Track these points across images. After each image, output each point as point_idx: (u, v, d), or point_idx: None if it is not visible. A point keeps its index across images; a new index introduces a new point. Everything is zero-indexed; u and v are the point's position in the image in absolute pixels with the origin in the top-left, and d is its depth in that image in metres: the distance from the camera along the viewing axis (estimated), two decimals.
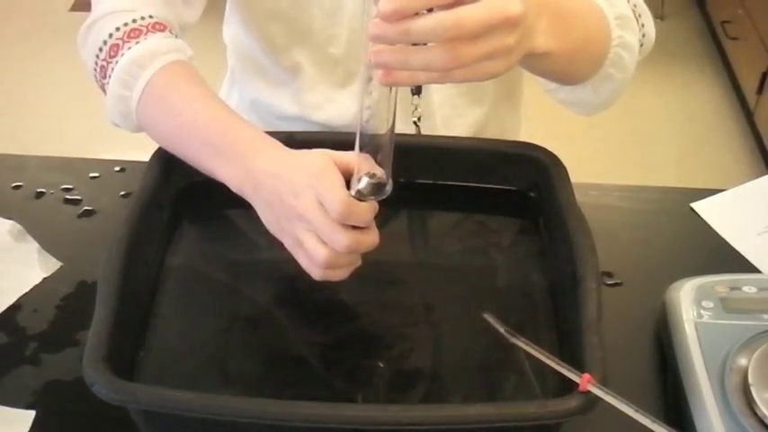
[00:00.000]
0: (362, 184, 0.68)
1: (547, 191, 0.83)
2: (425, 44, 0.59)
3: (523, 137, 1.12)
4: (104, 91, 0.84)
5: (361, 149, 0.68)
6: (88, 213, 0.93)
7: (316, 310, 0.78)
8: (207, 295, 0.80)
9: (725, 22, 2.66)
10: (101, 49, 0.83)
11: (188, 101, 0.79)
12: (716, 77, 2.72)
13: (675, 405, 0.73)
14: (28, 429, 0.71)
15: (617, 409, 0.62)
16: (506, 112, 1.10)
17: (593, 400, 0.61)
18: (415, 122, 0.96)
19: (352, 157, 0.69)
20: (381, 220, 0.70)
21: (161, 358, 0.73)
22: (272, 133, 0.76)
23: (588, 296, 0.69)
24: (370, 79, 0.64)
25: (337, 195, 0.67)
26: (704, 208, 0.94)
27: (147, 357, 0.72)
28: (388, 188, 0.70)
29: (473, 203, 0.88)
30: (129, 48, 0.81)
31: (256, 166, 0.72)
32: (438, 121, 1.01)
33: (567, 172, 0.82)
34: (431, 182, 0.88)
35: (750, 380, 0.67)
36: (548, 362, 0.66)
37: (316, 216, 0.67)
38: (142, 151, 0.84)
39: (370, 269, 0.72)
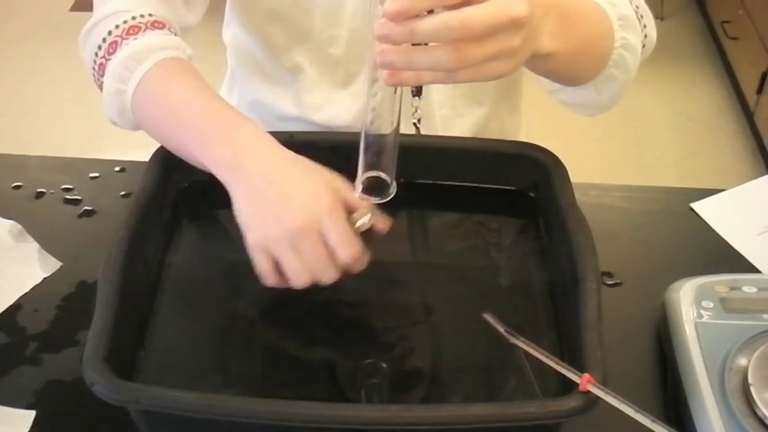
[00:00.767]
0: (365, 185, 0.68)
1: (547, 191, 0.83)
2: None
3: (523, 137, 1.13)
4: (101, 89, 0.84)
5: (365, 151, 0.68)
6: (88, 213, 0.93)
7: (316, 311, 0.78)
8: (207, 295, 0.80)
9: (725, 22, 2.66)
10: (100, 47, 0.83)
11: (181, 93, 0.79)
12: (716, 77, 2.72)
13: (675, 405, 0.73)
14: (28, 429, 0.71)
15: (617, 409, 0.62)
16: (506, 112, 1.10)
17: (593, 400, 0.62)
18: (414, 124, 0.96)
19: (352, 196, 0.71)
20: None
21: (161, 358, 0.73)
22: (272, 133, 0.76)
23: (588, 296, 0.69)
24: (375, 80, 0.64)
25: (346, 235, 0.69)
26: (704, 208, 0.94)
27: (147, 357, 0.72)
28: (392, 190, 0.70)
29: (473, 203, 0.88)
30: (128, 44, 0.81)
31: (250, 164, 0.71)
32: (438, 122, 1.01)
33: (566, 172, 0.82)
34: (431, 182, 0.88)
35: (750, 380, 0.67)
36: (548, 362, 0.66)
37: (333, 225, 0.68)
38: (142, 151, 0.84)
39: (371, 269, 0.72)
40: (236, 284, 0.81)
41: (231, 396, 0.66)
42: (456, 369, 0.73)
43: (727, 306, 0.75)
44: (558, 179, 0.81)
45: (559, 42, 0.70)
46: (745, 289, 0.77)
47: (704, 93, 2.67)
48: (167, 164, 0.82)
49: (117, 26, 0.82)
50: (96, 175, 0.98)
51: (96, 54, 0.83)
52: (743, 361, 0.69)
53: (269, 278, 0.71)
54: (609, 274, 0.86)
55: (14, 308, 0.82)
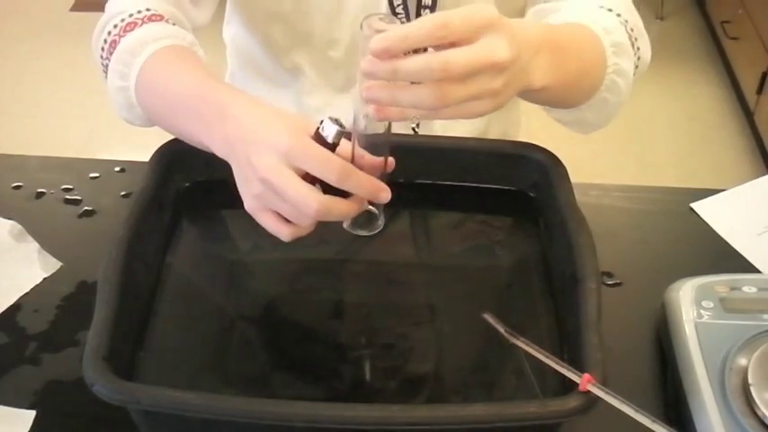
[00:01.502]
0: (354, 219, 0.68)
1: (547, 191, 0.83)
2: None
3: (523, 137, 1.13)
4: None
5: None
6: (88, 213, 0.93)
7: (316, 311, 0.78)
8: (207, 295, 0.80)
9: (725, 22, 2.66)
10: (103, 49, 0.83)
11: (174, 75, 0.77)
12: (716, 77, 2.72)
13: (675, 405, 0.73)
14: (28, 429, 0.71)
15: (617, 409, 0.62)
16: (506, 112, 1.10)
17: (593, 400, 0.62)
18: (413, 129, 0.97)
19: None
20: None
21: (161, 358, 0.73)
22: None
23: (588, 296, 0.69)
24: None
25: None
26: (704, 208, 0.94)
27: (147, 357, 0.72)
28: (380, 222, 0.70)
29: (473, 203, 0.88)
30: (124, 39, 0.81)
31: (228, 130, 0.68)
32: (436, 125, 1.01)
33: (566, 172, 0.82)
34: (431, 182, 0.88)
35: (750, 380, 0.67)
36: (548, 362, 0.66)
37: (278, 177, 0.64)
38: (142, 151, 0.84)
39: (370, 269, 0.72)
40: (237, 284, 0.81)
41: (231, 396, 0.66)
42: (456, 369, 0.74)
43: (727, 306, 0.75)
44: (558, 179, 0.81)
45: (552, 76, 0.71)
46: (745, 289, 0.77)
47: (704, 93, 2.67)
48: (167, 164, 0.82)
49: (116, 26, 0.83)
50: (96, 175, 0.98)
51: (101, 56, 0.84)
52: (743, 361, 0.69)
53: (280, 233, 0.67)
54: (609, 274, 0.86)
55: (14, 308, 0.82)
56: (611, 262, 0.86)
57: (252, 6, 0.97)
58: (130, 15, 0.83)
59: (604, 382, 0.62)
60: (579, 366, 0.63)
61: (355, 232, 0.69)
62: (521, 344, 0.68)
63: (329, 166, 0.63)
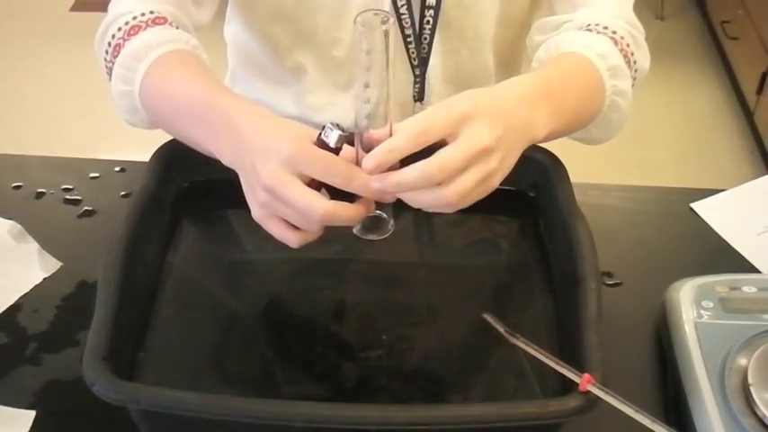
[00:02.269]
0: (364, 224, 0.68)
1: (547, 191, 0.83)
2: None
3: None
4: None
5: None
6: (88, 213, 0.93)
7: (315, 310, 0.78)
8: (207, 295, 0.80)
9: (725, 22, 2.66)
10: (107, 52, 0.83)
11: (179, 82, 0.77)
12: (716, 77, 2.72)
13: (675, 405, 0.73)
14: (28, 429, 0.71)
15: (617, 409, 0.62)
16: None
17: (593, 400, 0.62)
18: None
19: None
20: None
21: (161, 358, 0.73)
22: None
23: (588, 296, 0.69)
24: (367, 86, 0.64)
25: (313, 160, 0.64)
26: (704, 208, 0.94)
27: (147, 357, 0.72)
28: (390, 227, 0.70)
29: (473, 203, 0.88)
30: (128, 43, 0.81)
31: (233, 139, 0.68)
32: None
33: (566, 172, 0.82)
34: None
35: (750, 380, 0.67)
36: (548, 362, 0.66)
37: (284, 185, 0.64)
38: (142, 151, 0.84)
39: (370, 269, 0.72)
40: (236, 284, 0.81)
41: (231, 396, 0.66)
42: (456, 369, 0.73)
43: (727, 306, 0.75)
44: (558, 179, 0.81)
45: (554, 122, 0.72)
46: (745, 289, 0.77)
47: (704, 93, 2.67)
48: (167, 164, 0.82)
49: (119, 28, 0.82)
50: (96, 175, 0.98)
51: (105, 59, 0.84)
52: (743, 361, 0.69)
53: (288, 240, 0.67)
54: (609, 274, 0.86)
55: (14, 308, 0.82)
56: (611, 262, 0.86)
57: (254, 5, 0.96)
58: (134, 18, 0.83)
59: (604, 382, 0.62)
60: (579, 366, 0.63)
61: (366, 237, 0.69)
62: (521, 344, 0.68)
63: (334, 169, 0.64)
